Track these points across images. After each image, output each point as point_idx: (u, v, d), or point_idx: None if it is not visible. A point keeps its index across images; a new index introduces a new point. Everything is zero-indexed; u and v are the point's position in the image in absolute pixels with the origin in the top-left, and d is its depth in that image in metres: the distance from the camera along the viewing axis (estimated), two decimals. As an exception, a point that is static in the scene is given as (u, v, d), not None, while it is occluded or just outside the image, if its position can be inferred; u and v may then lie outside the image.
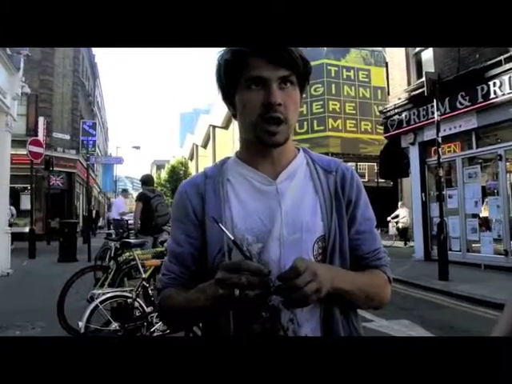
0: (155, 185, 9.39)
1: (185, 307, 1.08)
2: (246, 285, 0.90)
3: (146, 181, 7.93)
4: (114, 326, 4.24)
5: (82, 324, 4.02)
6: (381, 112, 14.71)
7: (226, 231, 1.01)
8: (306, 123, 24.37)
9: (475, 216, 10.68)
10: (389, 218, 17.20)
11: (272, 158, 1.15)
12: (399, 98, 13.04)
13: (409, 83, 12.85)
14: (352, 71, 25.85)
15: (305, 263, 0.94)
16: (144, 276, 4.71)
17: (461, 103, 10.40)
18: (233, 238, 1.00)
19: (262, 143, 1.10)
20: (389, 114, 13.54)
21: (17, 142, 13.88)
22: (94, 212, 21.67)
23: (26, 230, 14.77)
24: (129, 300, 4.42)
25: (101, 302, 4.19)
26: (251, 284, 0.90)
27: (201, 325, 1.25)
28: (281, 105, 1.05)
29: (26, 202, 18.86)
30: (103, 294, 4.33)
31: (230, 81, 1.11)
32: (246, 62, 1.05)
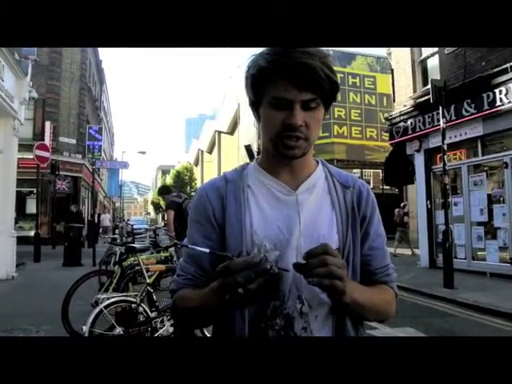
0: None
1: (199, 307, 1.09)
2: (243, 282, 0.92)
3: (167, 190, 8.51)
4: (118, 330, 4.24)
5: (86, 328, 4.02)
6: (386, 119, 14.70)
7: (200, 248, 1.06)
8: (311, 129, 24.33)
9: (481, 224, 10.63)
10: None
11: (292, 168, 1.18)
12: (405, 105, 13.02)
13: (414, 90, 12.84)
14: (358, 78, 25.86)
15: (332, 250, 0.97)
16: (148, 281, 4.71)
17: (466, 110, 10.38)
18: (208, 251, 1.05)
19: (280, 155, 1.13)
20: (394, 120, 13.52)
21: (23, 146, 13.98)
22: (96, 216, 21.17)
23: (32, 233, 14.83)
24: (133, 305, 4.42)
25: (105, 307, 4.20)
26: (248, 279, 0.92)
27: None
28: (302, 126, 1.07)
29: (31, 206, 18.97)
30: (108, 298, 4.33)
31: (254, 94, 1.13)
32: (272, 81, 1.06)
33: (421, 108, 12.05)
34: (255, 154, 25.77)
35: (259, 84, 1.10)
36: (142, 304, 4.50)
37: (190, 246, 1.08)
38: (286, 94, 1.05)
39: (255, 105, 1.16)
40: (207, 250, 1.03)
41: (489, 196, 10.53)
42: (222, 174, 1.29)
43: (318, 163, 1.25)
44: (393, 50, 14.19)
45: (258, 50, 1.12)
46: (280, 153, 1.12)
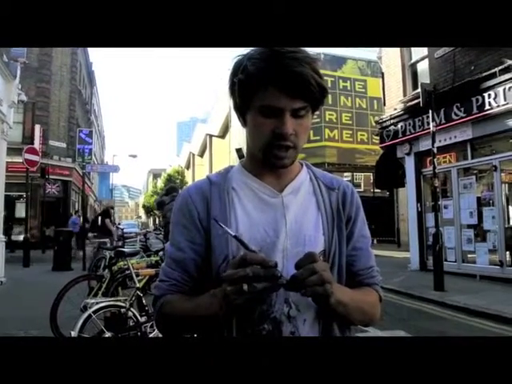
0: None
1: (191, 314, 1.05)
2: (251, 276, 0.90)
3: (170, 190, 7.97)
4: (108, 335, 4.20)
5: (74, 333, 3.98)
6: (377, 122, 14.77)
7: (227, 229, 1.02)
8: (302, 133, 24.44)
9: (470, 227, 10.70)
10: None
11: (277, 171, 1.16)
12: (395, 109, 13.11)
13: (404, 94, 12.93)
14: (348, 82, 26.01)
15: (317, 256, 0.97)
16: (138, 285, 4.67)
17: (456, 114, 10.47)
18: (234, 234, 1.00)
19: (268, 165, 1.12)
20: (385, 124, 13.60)
21: (12, 150, 13.84)
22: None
23: (21, 238, 14.67)
24: (122, 310, 4.38)
25: (94, 312, 4.15)
26: (257, 276, 0.90)
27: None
28: (292, 134, 1.05)
29: (21, 210, 18.78)
30: (97, 303, 4.29)
31: (242, 100, 1.09)
32: (262, 87, 1.03)
33: (411, 111, 12.14)
34: (246, 157, 25.78)
35: (247, 90, 1.06)
36: (132, 308, 4.46)
37: (222, 225, 1.02)
38: (277, 102, 1.02)
39: (241, 109, 1.12)
40: (233, 233, 1.00)
41: (478, 199, 10.62)
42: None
43: (302, 165, 1.24)
44: (383, 53, 14.30)
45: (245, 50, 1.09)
46: (269, 162, 1.10)
